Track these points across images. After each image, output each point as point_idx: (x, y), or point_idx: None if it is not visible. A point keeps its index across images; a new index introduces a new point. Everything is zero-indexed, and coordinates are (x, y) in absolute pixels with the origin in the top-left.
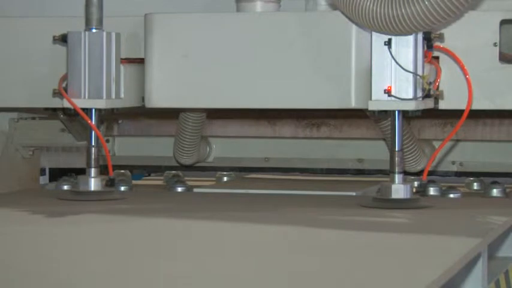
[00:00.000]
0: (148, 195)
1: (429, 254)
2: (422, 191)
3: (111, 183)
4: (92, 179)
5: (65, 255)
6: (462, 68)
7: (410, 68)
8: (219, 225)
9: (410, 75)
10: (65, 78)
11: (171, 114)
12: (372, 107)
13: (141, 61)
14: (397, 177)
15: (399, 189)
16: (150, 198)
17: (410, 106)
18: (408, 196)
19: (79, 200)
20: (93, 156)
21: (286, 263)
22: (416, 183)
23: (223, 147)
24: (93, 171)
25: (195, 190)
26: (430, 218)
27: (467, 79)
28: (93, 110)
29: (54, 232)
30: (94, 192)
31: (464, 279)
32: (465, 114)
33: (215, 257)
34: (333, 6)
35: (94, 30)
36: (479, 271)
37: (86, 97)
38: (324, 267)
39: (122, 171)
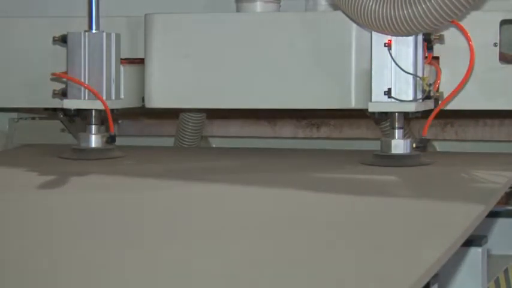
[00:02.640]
0: (149, 154)
1: (426, 227)
2: (422, 147)
3: (111, 139)
4: (93, 136)
5: (68, 222)
6: (469, 43)
7: (411, 69)
8: (219, 188)
9: (410, 77)
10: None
11: (171, 114)
12: (372, 108)
13: (141, 61)
14: (397, 133)
15: (399, 145)
16: (150, 156)
17: (410, 108)
18: (408, 151)
19: (80, 159)
20: (93, 114)
21: (273, 235)
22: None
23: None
24: (93, 128)
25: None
26: (429, 178)
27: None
28: (93, 111)
29: (56, 199)
30: (95, 149)
31: (463, 277)
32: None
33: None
34: (333, 6)
35: (94, 31)
36: (478, 270)
37: (86, 98)
38: (304, 241)
39: None
